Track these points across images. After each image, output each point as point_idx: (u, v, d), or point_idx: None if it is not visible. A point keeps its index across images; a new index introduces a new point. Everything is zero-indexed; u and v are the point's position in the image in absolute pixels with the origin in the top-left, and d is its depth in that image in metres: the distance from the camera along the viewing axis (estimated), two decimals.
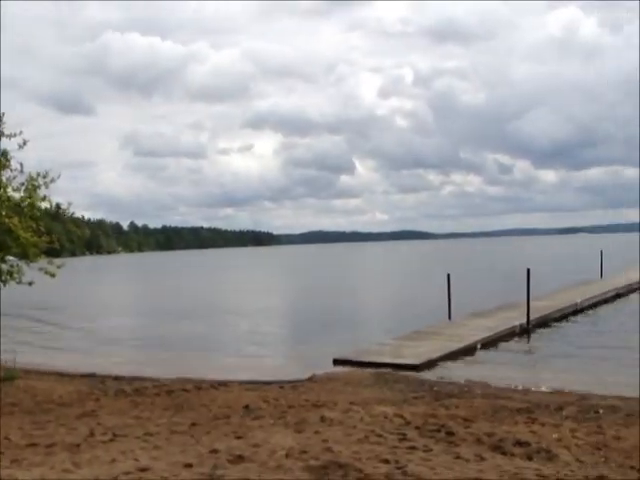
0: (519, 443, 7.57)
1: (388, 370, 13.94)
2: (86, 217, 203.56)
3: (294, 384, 12.54)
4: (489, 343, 17.38)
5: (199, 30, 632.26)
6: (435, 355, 15.17)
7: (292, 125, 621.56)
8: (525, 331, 19.44)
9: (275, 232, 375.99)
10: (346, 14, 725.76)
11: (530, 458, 7.07)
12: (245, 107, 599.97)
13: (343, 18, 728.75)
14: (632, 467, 6.77)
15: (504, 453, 7.25)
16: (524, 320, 19.73)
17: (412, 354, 15.22)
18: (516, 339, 18.63)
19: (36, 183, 13.33)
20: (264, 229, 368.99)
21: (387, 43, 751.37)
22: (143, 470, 6.67)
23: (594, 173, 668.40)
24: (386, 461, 6.82)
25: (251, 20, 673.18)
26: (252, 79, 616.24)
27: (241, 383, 12.76)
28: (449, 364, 15.04)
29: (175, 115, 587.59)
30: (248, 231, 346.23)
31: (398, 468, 6.58)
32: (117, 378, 13.91)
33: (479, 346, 16.88)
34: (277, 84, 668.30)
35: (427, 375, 13.75)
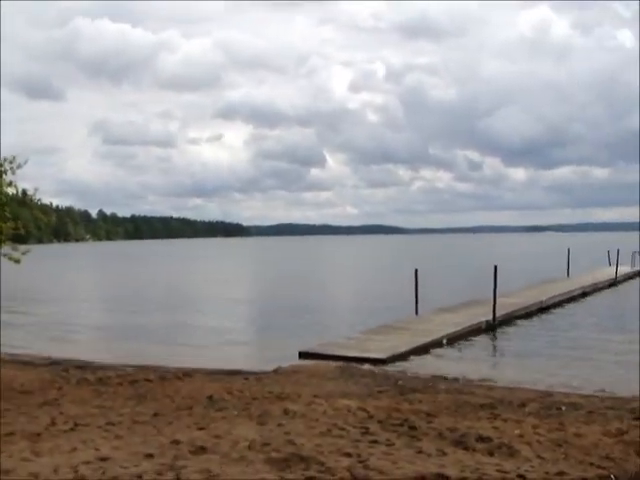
0: (481, 438, 7.60)
1: (354, 364, 13.94)
2: (54, 204, 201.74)
3: (259, 376, 12.50)
4: (455, 338, 17.45)
5: (170, 18, 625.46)
6: (401, 349, 15.20)
7: (263, 116, 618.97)
8: (491, 327, 19.56)
9: (245, 223, 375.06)
10: (318, 7, 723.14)
11: (491, 453, 7.11)
12: (216, 97, 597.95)
13: (315, 11, 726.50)
14: (591, 464, 6.83)
15: (466, 448, 7.28)
16: (490, 317, 19.83)
17: (378, 348, 15.25)
18: (482, 335, 18.72)
19: (2, 168, 13.15)
20: (233, 220, 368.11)
21: (359, 37, 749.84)
22: (103, 460, 6.63)
23: (563, 172, 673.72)
24: (348, 454, 6.83)
25: (223, 10, 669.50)
26: (223, 69, 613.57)
27: (205, 374, 12.70)
28: (415, 359, 15.09)
29: (145, 103, 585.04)
30: (217, 222, 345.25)
31: (360, 462, 6.59)
32: (81, 367, 13.78)
33: (445, 341, 16.95)
34: (248, 75, 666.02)
35: (392, 369, 13.76)
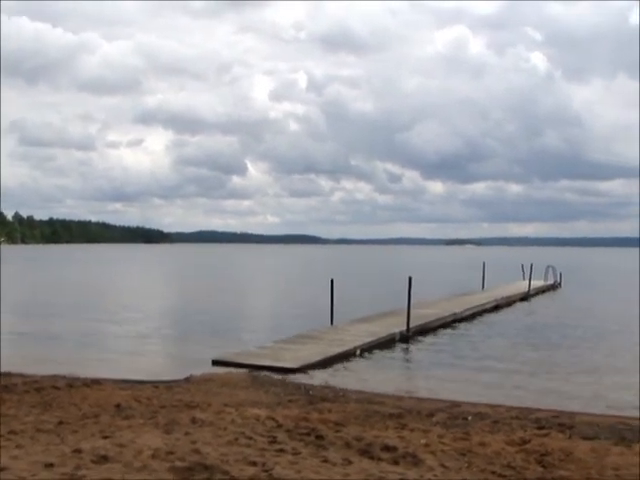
0: (387, 448, 7.67)
1: (266, 373, 13.94)
2: None
3: (169, 384, 12.35)
4: (368, 349, 17.57)
5: (91, 19, 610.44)
6: (314, 359, 15.24)
7: (183, 123, 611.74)
8: (405, 338, 19.76)
9: (165, 230, 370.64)
10: (240, 16, 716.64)
11: (396, 462, 7.18)
12: (136, 101, 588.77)
13: (237, 20, 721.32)
14: (493, 472, 6.98)
15: (371, 457, 7.35)
16: (404, 327, 20.05)
17: (291, 357, 15.27)
18: (395, 346, 18.90)
19: None
20: (154, 226, 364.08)
21: (281, 47, 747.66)
22: (0, 470, 6.45)
23: (480, 187, 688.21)
24: (253, 463, 6.81)
25: (144, 14, 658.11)
26: (144, 74, 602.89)
27: (115, 382, 12.47)
28: (327, 369, 15.13)
29: (63, 105, 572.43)
30: (138, 227, 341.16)
31: (264, 471, 6.58)
32: None
33: (358, 352, 17.05)
34: (170, 81, 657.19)
35: (304, 379, 13.77)
